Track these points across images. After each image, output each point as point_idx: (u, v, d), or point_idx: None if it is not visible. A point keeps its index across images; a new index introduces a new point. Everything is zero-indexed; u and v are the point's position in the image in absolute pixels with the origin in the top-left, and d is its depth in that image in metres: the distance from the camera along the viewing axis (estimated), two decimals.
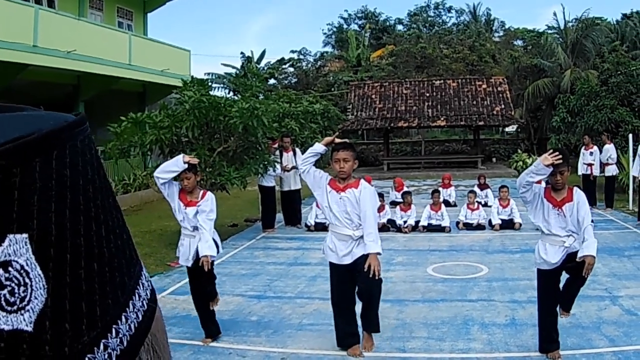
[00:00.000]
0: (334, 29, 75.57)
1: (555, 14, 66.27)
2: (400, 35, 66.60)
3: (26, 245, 0.60)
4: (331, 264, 8.84)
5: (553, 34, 50.92)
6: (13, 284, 0.59)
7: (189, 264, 9.46)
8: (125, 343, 0.69)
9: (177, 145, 16.92)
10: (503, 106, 41.16)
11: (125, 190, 27.10)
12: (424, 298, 11.62)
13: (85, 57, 23.54)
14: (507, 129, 53.84)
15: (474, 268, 13.88)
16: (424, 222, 18.74)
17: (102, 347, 0.66)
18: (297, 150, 20.50)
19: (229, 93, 48.18)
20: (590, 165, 22.50)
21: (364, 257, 8.33)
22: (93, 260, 0.66)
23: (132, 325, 0.71)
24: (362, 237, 8.49)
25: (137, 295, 0.74)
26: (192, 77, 21.84)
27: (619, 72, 28.67)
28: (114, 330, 0.68)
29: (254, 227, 20.32)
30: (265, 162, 17.76)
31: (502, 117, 40.69)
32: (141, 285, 0.76)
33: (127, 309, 0.71)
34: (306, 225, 19.67)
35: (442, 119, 41.20)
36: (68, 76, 25.04)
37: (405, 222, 18.76)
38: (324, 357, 8.73)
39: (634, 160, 19.91)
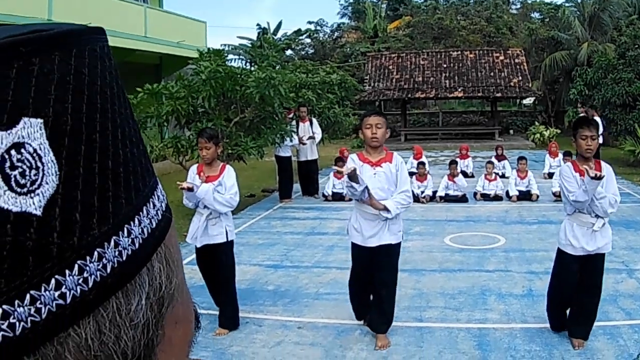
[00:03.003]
0: (351, 0, 75.34)
1: None
2: (417, 7, 66.35)
3: (40, 130, 0.60)
4: (354, 245, 8.39)
5: (570, 7, 50.60)
6: (25, 166, 0.59)
7: (197, 244, 8.95)
8: (137, 245, 0.69)
9: (194, 115, 16.92)
10: (520, 78, 41.06)
11: None
12: (441, 268, 11.64)
13: None
14: (524, 101, 53.68)
15: (491, 239, 13.88)
16: (441, 193, 18.77)
17: (112, 243, 0.65)
18: (314, 120, 20.52)
19: (245, 64, 48.13)
20: None
21: (388, 248, 8.10)
22: (107, 157, 0.66)
23: (146, 230, 0.71)
24: (391, 219, 8.02)
25: (151, 204, 0.74)
26: (208, 48, 21.81)
27: (637, 46, 28.55)
28: (126, 230, 0.67)
29: (271, 197, 20.40)
30: (282, 132, 17.76)
31: (520, 89, 40.60)
32: (156, 197, 0.76)
33: (141, 213, 0.71)
34: (323, 195, 19.72)
35: (459, 90, 41.11)
36: None
37: (422, 192, 18.77)
38: (340, 327, 8.75)
39: None
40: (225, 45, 56.01)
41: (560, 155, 21.96)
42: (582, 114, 23.62)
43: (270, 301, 10.00)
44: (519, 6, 67.17)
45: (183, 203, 8.98)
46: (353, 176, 7.56)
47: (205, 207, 8.59)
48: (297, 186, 20.74)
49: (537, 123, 41.76)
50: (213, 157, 8.74)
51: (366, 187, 7.68)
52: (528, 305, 9.41)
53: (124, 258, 0.66)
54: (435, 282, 10.70)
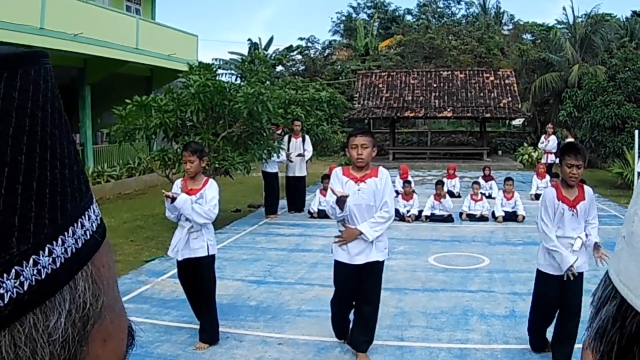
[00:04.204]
0: (343, 18, 75.50)
1: (564, 9, 66.23)
2: (409, 26, 66.58)
3: None
4: (339, 263, 8.29)
5: (562, 28, 50.95)
6: None
7: (178, 257, 8.91)
8: (58, 264, 0.69)
9: (182, 129, 16.93)
10: (510, 99, 41.15)
11: (130, 174, 27.18)
12: (424, 287, 11.63)
13: (92, 40, 23.50)
14: (513, 122, 53.80)
15: (475, 259, 13.90)
16: (427, 212, 18.78)
17: (31, 262, 0.66)
18: (307, 137, 20.55)
19: (236, 80, 48.19)
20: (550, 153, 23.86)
21: (374, 265, 8.10)
22: (32, 178, 0.67)
23: (69, 250, 0.71)
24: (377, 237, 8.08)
25: (79, 224, 0.74)
26: (199, 61, 21.83)
27: (627, 68, 28.75)
28: (47, 249, 0.68)
29: (256, 212, 20.36)
30: (269, 148, 17.76)
31: (509, 110, 40.66)
32: (87, 217, 0.76)
33: (66, 233, 0.71)
34: (309, 212, 19.70)
35: (448, 110, 41.16)
36: (75, 59, 24.99)
37: (408, 211, 18.79)
38: (320, 344, 8.73)
39: (639, 157, 19.91)
40: (216, 59, 56.16)
41: (548, 177, 22.07)
42: (549, 130, 24.30)
43: (251, 317, 9.97)
44: (510, 27, 67.54)
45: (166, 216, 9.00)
46: (342, 201, 7.61)
47: (187, 219, 8.58)
48: (283, 202, 20.71)
49: (525, 144, 41.85)
50: (197, 171, 8.71)
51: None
52: (510, 326, 9.41)
53: (43, 276, 0.67)
54: (417, 302, 10.69)
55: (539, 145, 26.57)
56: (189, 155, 8.61)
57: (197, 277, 8.90)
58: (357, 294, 8.33)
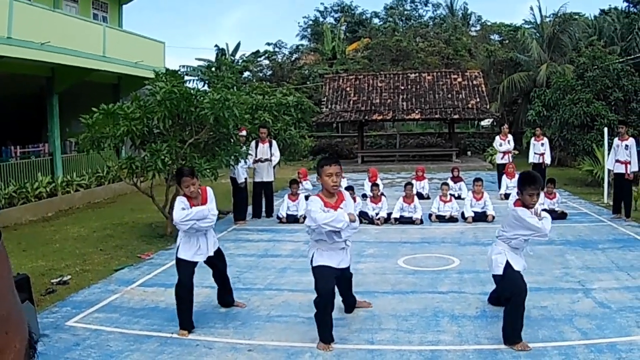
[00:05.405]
0: (310, 22, 75.65)
1: (532, 9, 66.61)
2: (376, 29, 66.80)
3: None
4: (322, 267, 8.83)
5: (530, 28, 51.24)
6: None
7: (210, 253, 10.10)
8: None
9: (149, 136, 16.86)
10: (478, 100, 41.33)
11: (99, 183, 27.10)
12: (393, 290, 11.60)
13: (59, 49, 23.32)
14: (482, 123, 54.02)
15: (445, 260, 13.89)
16: (396, 214, 18.77)
17: None
18: (274, 142, 20.54)
19: (203, 86, 48.08)
20: (542, 154, 24.44)
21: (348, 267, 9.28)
22: None
23: None
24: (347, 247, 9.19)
25: None
26: (165, 68, 21.73)
27: (595, 67, 29.03)
28: None
29: (225, 219, 20.25)
30: (237, 154, 17.68)
31: (478, 110, 40.82)
32: None
33: None
34: (277, 217, 19.66)
35: (416, 112, 41.24)
36: (42, 68, 24.82)
37: (377, 214, 18.79)
38: (290, 349, 8.68)
39: (609, 154, 20.03)
40: (183, 66, 56.09)
41: (517, 176, 22.14)
42: (505, 130, 24.64)
43: (221, 323, 9.93)
44: (478, 28, 67.83)
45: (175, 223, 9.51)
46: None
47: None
48: (251, 208, 20.66)
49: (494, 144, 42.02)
50: (198, 189, 9.57)
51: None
52: (481, 326, 9.38)
53: None
54: (387, 304, 10.65)
55: (496, 146, 26.59)
56: (190, 179, 9.49)
57: (219, 262, 10.55)
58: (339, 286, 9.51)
